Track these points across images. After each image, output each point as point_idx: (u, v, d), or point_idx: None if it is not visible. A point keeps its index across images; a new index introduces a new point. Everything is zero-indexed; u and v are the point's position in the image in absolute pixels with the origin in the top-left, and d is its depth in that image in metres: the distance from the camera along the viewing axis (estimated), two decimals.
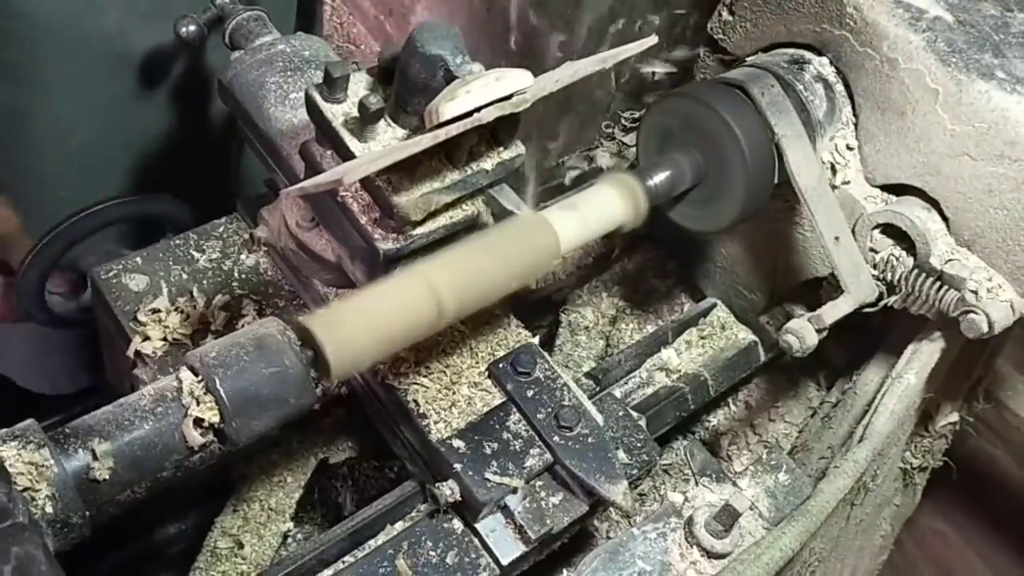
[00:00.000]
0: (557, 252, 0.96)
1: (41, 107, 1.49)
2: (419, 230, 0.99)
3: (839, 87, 1.17)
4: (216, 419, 0.77)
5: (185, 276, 1.18)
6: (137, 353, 1.10)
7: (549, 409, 1.03)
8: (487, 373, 1.08)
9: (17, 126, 1.49)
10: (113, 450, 0.75)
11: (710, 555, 1.03)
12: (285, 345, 0.82)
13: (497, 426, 1.03)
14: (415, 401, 1.04)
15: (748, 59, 1.23)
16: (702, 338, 1.35)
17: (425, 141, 0.88)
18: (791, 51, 1.20)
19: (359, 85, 0.99)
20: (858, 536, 1.35)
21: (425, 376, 1.06)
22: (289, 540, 1.18)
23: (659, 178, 1.09)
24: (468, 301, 0.92)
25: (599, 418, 1.06)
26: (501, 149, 1.01)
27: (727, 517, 1.00)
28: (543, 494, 1.01)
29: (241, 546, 1.10)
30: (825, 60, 1.18)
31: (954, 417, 1.41)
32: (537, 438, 1.02)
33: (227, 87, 1.19)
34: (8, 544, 0.59)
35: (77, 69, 1.47)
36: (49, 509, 0.71)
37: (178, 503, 1.24)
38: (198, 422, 0.77)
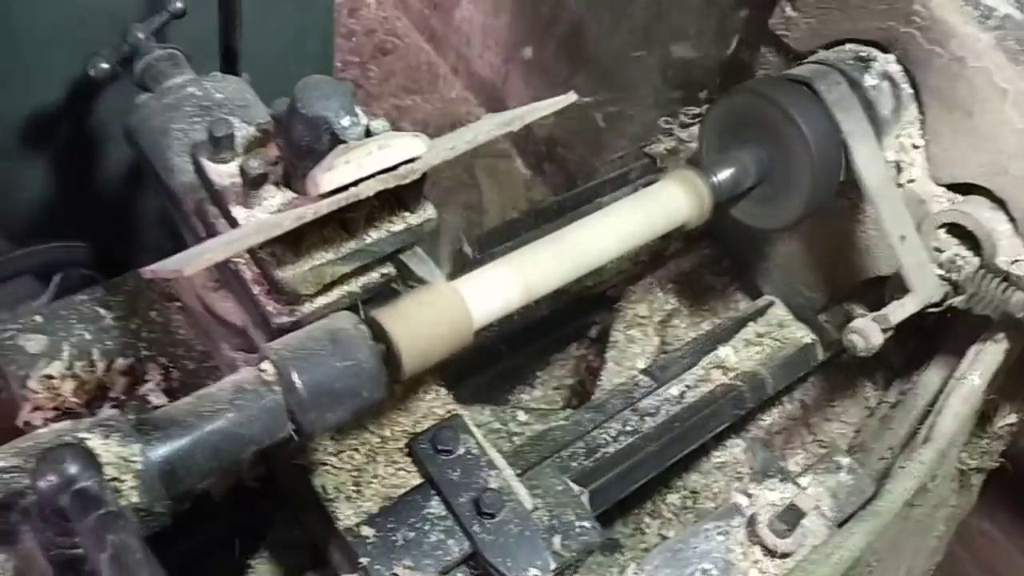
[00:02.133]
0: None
1: None
2: (317, 302, 0.89)
3: (905, 85, 1.16)
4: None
5: (88, 336, 1.09)
6: (27, 423, 1.02)
7: (471, 492, 0.92)
8: (407, 450, 0.98)
9: None
10: (195, 440, 0.76)
11: (772, 554, 1.03)
12: (359, 339, 0.83)
13: (413, 512, 0.92)
14: (323, 486, 0.94)
15: (812, 56, 1.22)
16: (759, 336, 1.34)
17: (287, 223, 0.78)
18: (857, 48, 1.18)
19: (249, 142, 0.90)
20: (914, 536, 1.33)
21: (335, 455, 0.96)
22: None
23: (723, 175, 1.09)
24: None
25: (528, 502, 0.95)
26: (407, 214, 0.91)
27: (792, 517, 1.00)
28: None
29: None
30: (891, 57, 1.16)
31: (1013, 418, 1.39)
32: (457, 525, 0.92)
33: (131, 134, 1.08)
34: (104, 532, 0.61)
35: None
36: (135, 498, 0.72)
37: (218, 505, 1.22)
38: None
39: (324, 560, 1.01)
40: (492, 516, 0.92)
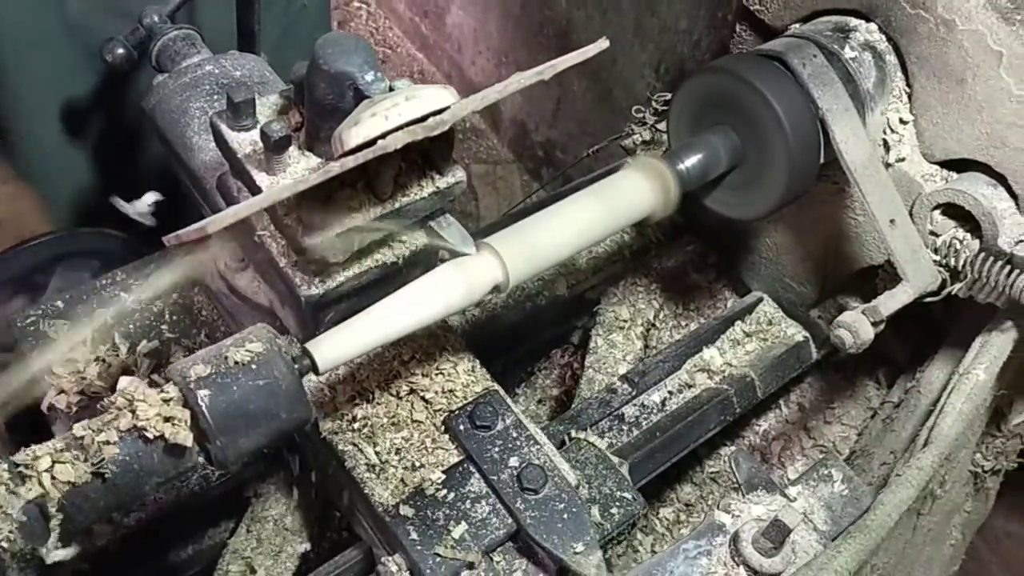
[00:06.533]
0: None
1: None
2: (347, 272, 0.87)
3: (890, 55, 1.08)
4: (187, 439, 0.70)
5: (110, 320, 1.08)
6: (51, 407, 1.01)
7: (513, 468, 0.91)
8: (444, 427, 0.95)
9: None
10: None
11: (758, 575, 0.93)
12: (275, 355, 0.75)
13: (453, 490, 0.90)
14: (359, 464, 0.92)
15: (788, 30, 1.13)
16: (748, 335, 1.25)
17: (315, 178, 0.75)
18: (835, 18, 1.10)
19: (272, 109, 0.88)
20: (926, 547, 1.23)
21: (370, 434, 0.94)
22: None
23: (691, 161, 1.01)
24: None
25: (571, 476, 0.93)
26: (436, 176, 0.88)
27: (776, 533, 0.91)
28: (504, 565, 0.89)
29: (253, 571, 1.04)
30: (873, 26, 1.08)
31: None
32: (499, 502, 0.90)
33: (149, 115, 1.07)
34: None
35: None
36: (17, 543, 0.67)
37: (194, 523, 1.17)
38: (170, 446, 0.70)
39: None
40: (535, 492, 0.90)
